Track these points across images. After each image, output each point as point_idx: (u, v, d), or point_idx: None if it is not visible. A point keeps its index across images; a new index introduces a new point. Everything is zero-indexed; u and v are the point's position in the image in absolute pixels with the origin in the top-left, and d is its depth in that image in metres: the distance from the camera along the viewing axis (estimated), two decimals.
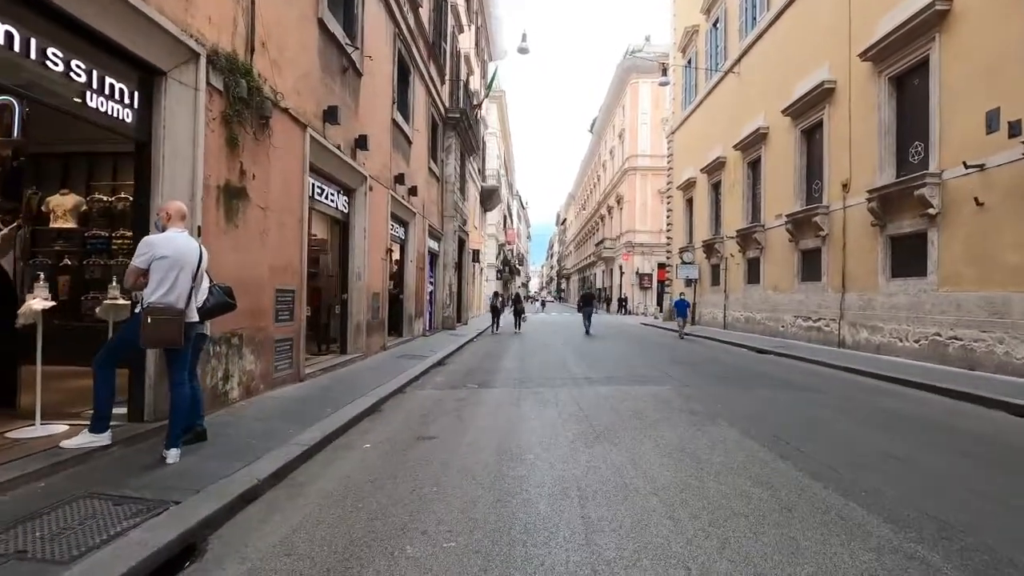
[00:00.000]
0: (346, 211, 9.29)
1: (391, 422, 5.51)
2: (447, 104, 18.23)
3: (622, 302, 39.49)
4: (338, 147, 8.19)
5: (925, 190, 10.10)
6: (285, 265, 6.59)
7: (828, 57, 13.74)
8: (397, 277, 13.42)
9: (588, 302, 20.18)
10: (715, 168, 21.42)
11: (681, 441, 4.66)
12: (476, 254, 25.79)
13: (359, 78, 9.25)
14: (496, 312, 20.86)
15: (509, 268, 61.91)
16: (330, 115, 7.65)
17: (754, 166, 18.59)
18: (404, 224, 13.37)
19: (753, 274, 18.30)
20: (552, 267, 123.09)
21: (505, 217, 56.88)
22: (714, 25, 22.23)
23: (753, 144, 18.06)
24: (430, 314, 16.47)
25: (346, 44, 8.44)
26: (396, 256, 13.35)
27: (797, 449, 4.43)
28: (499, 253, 47.38)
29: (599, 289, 54.28)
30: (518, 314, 21.52)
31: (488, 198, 31.66)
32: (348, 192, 9.29)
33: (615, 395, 6.85)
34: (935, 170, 10.11)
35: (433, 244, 16.81)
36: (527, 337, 18.28)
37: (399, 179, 11.78)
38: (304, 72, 7.11)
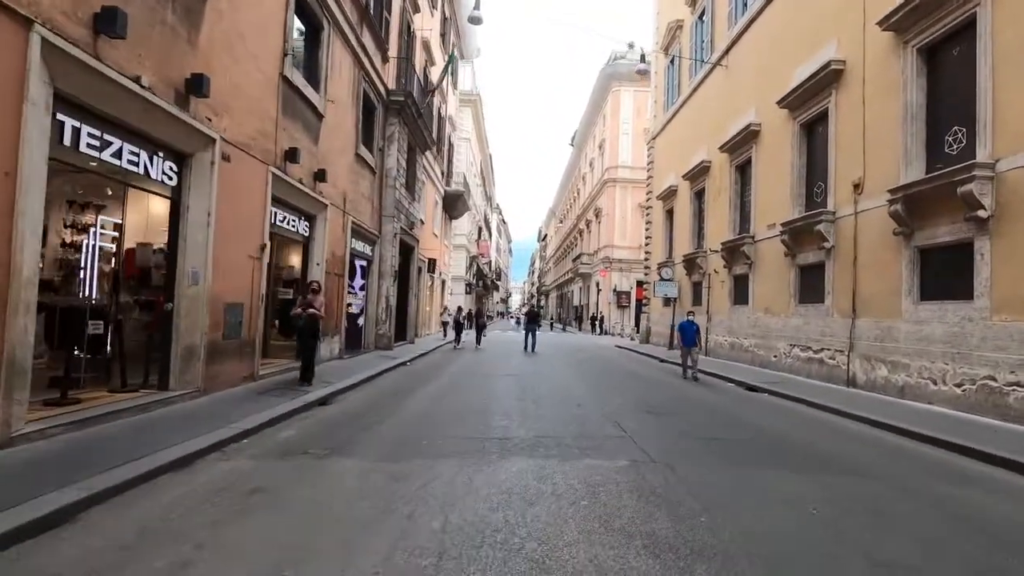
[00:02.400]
0: (172, 183, 6.46)
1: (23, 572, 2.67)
2: (390, 86, 15.57)
3: (594, 321, 36.97)
4: (137, 79, 5.39)
5: (973, 186, 7.62)
6: None
7: (836, 32, 11.38)
8: (295, 283, 10.58)
9: (533, 319, 19.75)
10: (698, 174, 19.03)
11: None
12: (432, 264, 22.99)
13: None
14: (459, 327, 20.23)
15: (483, 283, 59.10)
16: (105, 21, 4.86)
17: (743, 170, 16.19)
18: (307, 217, 10.53)
19: (740, 293, 15.78)
20: (533, 284, 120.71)
21: (480, 229, 54.26)
22: (700, 17, 20.03)
23: (742, 144, 15.67)
24: (351, 331, 13.57)
25: None
26: (282, 256, 10.54)
27: None
28: (471, 266, 44.59)
29: (575, 307, 51.76)
30: (479, 329, 21.24)
31: (453, 204, 28.95)
32: (174, 156, 6.46)
33: (528, 487, 4.05)
34: (986, 159, 7.65)
35: (362, 247, 13.99)
36: (480, 356, 15.92)
37: (291, 155, 9.00)
38: None
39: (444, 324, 22.38)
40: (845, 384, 10.53)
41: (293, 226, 9.91)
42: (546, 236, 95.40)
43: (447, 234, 30.62)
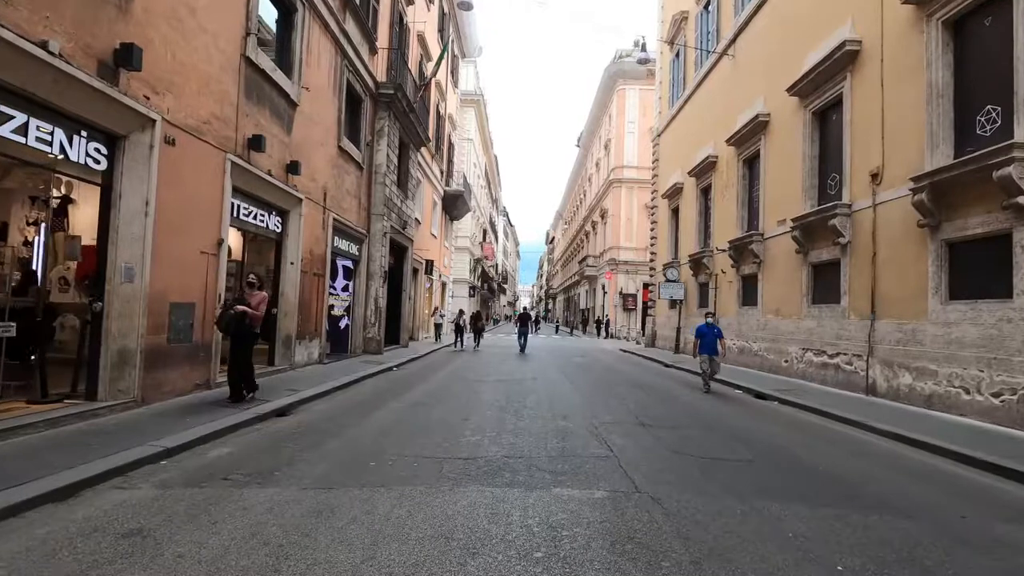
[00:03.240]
0: (100, 167, 5.74)
1: None
2: (378, 78, 14.87)
3: (600, 324, 36.12)
4: (43, 44, 4.68)
5: (1011, 169, 6.74)
6: None
7: (851, 10, 10.51)
8: (271, 283, 9.86)
9: (524, 322, 20.86)
10: (705, 169, 18.17)
11: None
12: (429, 265, 22.27)
13: None
14: (459, 329, 20.82)
15: (489, 286, 58.31)
16: None
17: (751, 163, 15.33)
18: (279, 212, 9.82)
19: (749, 294, 14.89)
20: (542, 287, 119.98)
21: (486, 231, 53.55)
22: (705, 7, 19.21)
23: (750, 136, 14.80)
24: (334, 334, 12.85)
25: None
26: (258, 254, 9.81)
27: None
28: (475, 268, 43.83)
29: (582, 310, 50.82)
30: (477, 332, 21.44)
31: (452, 204, 28.22)
32: (103, 137, 5.73)
33: (475, 529, 3.23)
34: None
35: (347, 246, 13.27)
36: (474, 360, 15.30)
37: (255, 143, 8.28)
38: None
39: (436, 327, 21.39)
40: (864, 392, 9.63)
41: (262, 221, 9.19)
42: (553, 239, 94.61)
43: (447, 235, 29.92)
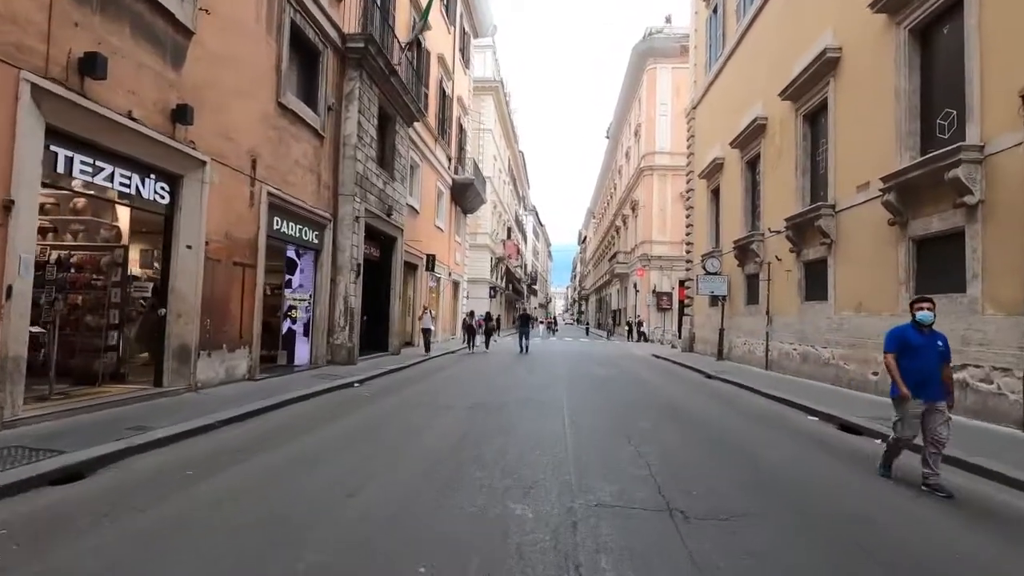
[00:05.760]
0: None
1: None
2: (344, 28, 12.22)
3: (631, 326, 32.83)
4: None
5: None
6: None
7: None
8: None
9: (524, 323, 21.13)
10: (751, 136, 14.86)
11: None
12: (431, 260, 19.53)
13: None
14: (471, 331, 19.92)
15: (513, 286, 55.39)
16: None
17: (814, 119, 12.02)
18: (166, 177, 7.18)
19: (815, 285, 11.56)
20: (575, 289, 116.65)
21: (510, 229, 50.70)
22: None
23: (814, 82, 11.50)
24: (278, 341, 10.20)
25: None
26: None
27: None
28: (496, 267, 41.02)
29: (613, 311, 47.39)
30: (488, 333, 21.07)
31: (462, 195, 25.44)
32: None
33: None
34: None
35: (298, 231, 10.59)
36: (468, 369, 12.29)
37: (89, 67, 5.63)
38: None
39: (424, 333, 16.84)
40: (1018, 425, 6.32)
41: (127, 186, 6.55)
42: (586, 238, 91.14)
43: (459, 230, 27.16)
